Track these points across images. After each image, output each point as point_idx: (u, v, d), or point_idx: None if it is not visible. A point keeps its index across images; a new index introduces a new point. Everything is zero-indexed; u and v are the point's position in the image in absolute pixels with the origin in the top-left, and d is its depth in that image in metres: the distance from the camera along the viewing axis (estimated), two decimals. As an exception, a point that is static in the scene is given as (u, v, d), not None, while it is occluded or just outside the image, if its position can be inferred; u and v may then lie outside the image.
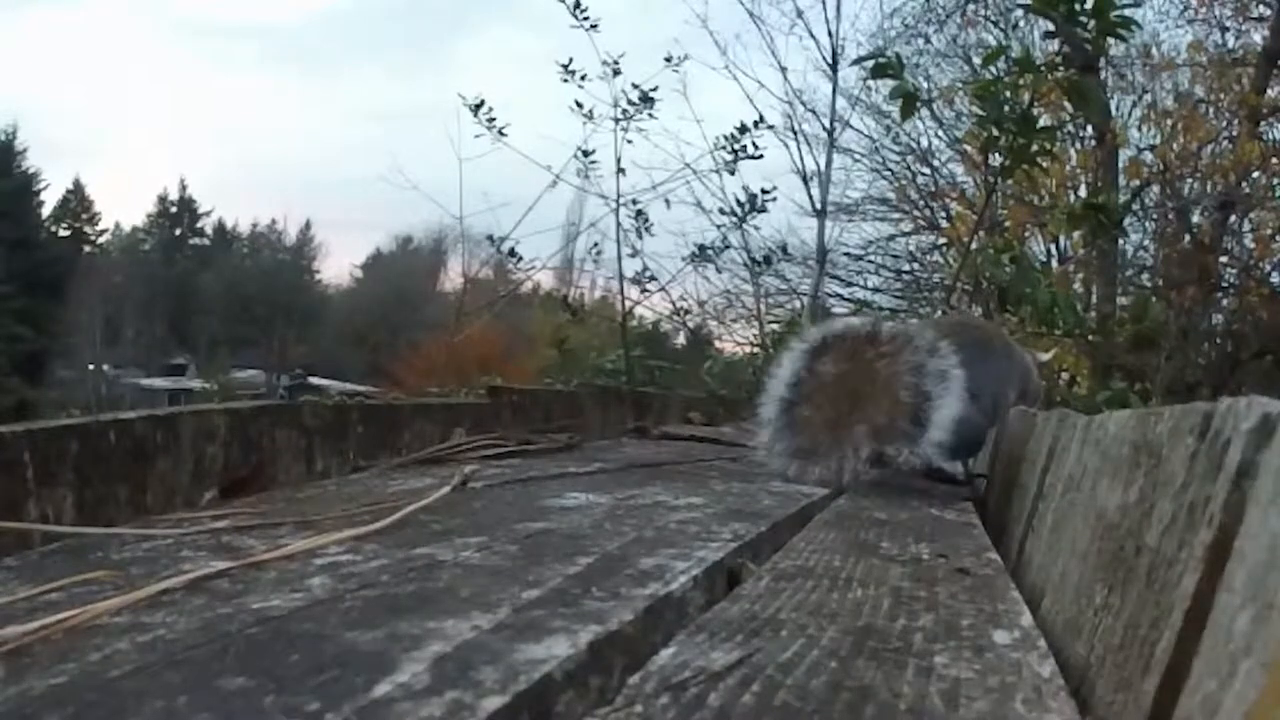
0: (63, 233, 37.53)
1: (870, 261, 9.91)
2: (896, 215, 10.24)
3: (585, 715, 0.43)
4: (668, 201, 4.47)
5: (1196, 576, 0.41)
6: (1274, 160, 7.72)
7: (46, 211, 36.78)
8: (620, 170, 3.98)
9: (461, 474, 1.04)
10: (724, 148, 4.32)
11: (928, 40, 9.23)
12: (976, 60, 8.37)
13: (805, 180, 6.55)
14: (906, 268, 10.04)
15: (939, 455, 1.48)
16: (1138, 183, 7.99)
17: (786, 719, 0.42)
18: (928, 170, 9.78)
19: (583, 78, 4.12)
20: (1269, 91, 7.92)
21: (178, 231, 42.48)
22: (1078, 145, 8.34)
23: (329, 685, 0.41)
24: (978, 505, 1.37)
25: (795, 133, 6.78)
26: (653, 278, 4.25)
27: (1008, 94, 3.00)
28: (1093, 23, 2.76)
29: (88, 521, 0.81)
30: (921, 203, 9.97)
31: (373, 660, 0.44)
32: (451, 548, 0.72)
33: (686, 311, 5.01)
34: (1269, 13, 8.17)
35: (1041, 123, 3.12)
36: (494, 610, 0.54)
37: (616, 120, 4.03)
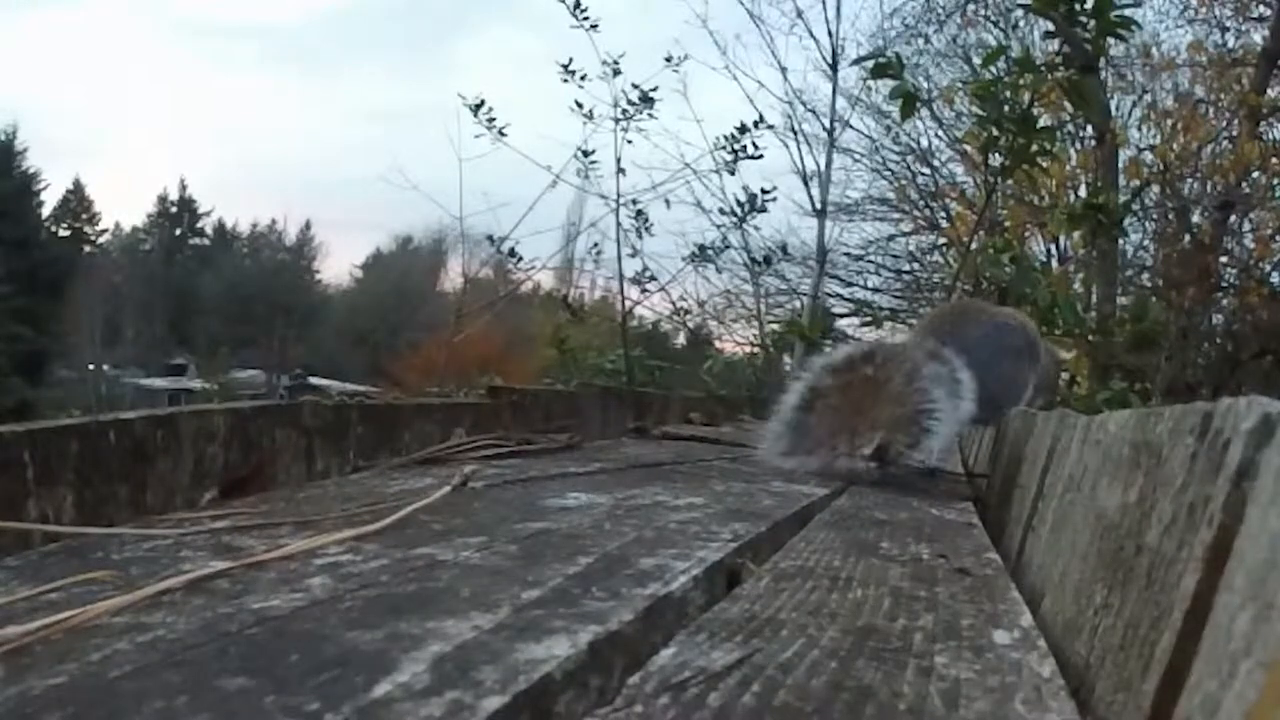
0: (63, 233, 37.53)
1: (870, 261, 9.93)
2: (896, 215, 10.25)
3: (585, 715, 0.43)
4: (668, 201, 4.48)
5: (1196, 576, 0.41)
6: (1274, 160, 7.72)
7: (46, 211, 36.83)
8: (620, 170, 3.98)
9: (461, 474, 1.04)
10: (724, 148, 4.33)
11: (928, 40, 9.24)
12: (976, 60, 8.36)
13: (805, 180, 6.55)
14: (906, 268, 10.05)
15: (943, 452, 1.55)
16: (1138, 183, 7.98)
17: (786, 719, 0.42)
18: (928, 170, 9.79)
19: (583, 78, 4.13)
20: (1269, 91, 7.92)
21: (178, 231, 42.46)
22: (1078, 145, 8.34)
23: (329, 685, 0.41)
24: (978, 505, 1.37)
25: (795, 133, 6.77)
26: (653, 278, 4.26)
27: (1008, 94, 3.00)
28: (1093, 23, 2.76)
29: (88, 521, 0.81)
30: (921, 203, 9.97)
31: (373, 660, 0.44)
32: (451, 548, 0.72)
33: (686, 311, 5.02)
34: (1269, 13, 8.17)
35: (1041, 123, 3.12)
36: (494, 610, 0.54)
37: (616, 120, 4.03)
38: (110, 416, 0.90)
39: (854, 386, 1.55)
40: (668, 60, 4.41)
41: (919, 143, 9.64)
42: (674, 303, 4.67)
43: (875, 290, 9.91)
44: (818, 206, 6.57)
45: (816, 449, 1.49)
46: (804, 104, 7.46)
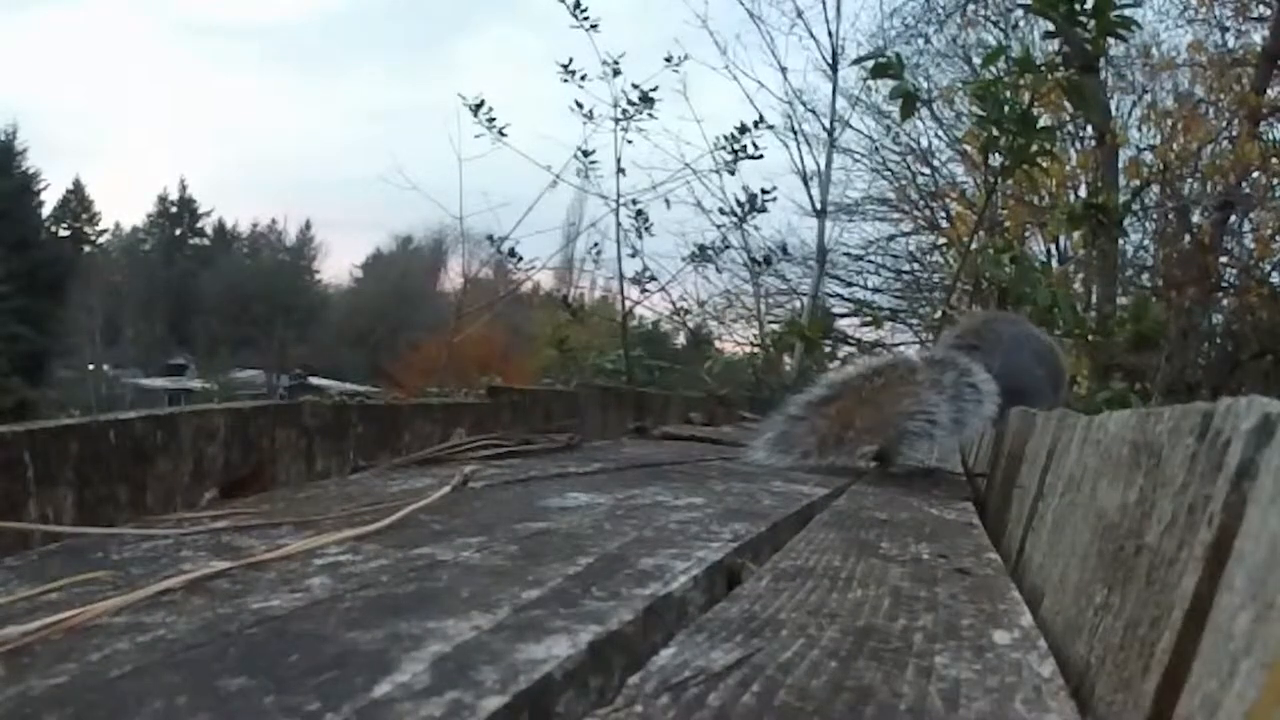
0: (63, 233, 37.52)
1: (870, 261, 9.93)
2: (896, 215, 10.25)
3: (585, 715, 0.43)
4: (668, 201, 4.48)
5: (1196, 576, 0.41)
6: (1274, 160, 7.72)
7: (46, 211, 36.82)
8: (620, 170, 3.99)
9: (461, 474, 1.04)
10: (724, 148, 4.33)
11: (928, 40, 9.24)
12: (976, 60, 8.36)
13: (805, 180, 6.56)
14: (906, 268, 10.05)
15: (944, 453, 1.59)
16: (1138, 183, 7.99)
17: (786, 719, 0.42)
18: (928, 170, 9.79)
19: (583, 78, 4.13)
20: (1269, 91, 7.92)
21: (178, 231, 42.45)
22: (1078, 145, 8.35)
23: (329, 685, 0.41)
24: (978, 505, 1.37)
25: (795, 133, 6.79)
26: (653, 278, 4.26)
27: (1008, 94, 3.01)
28: (1093, 23, 2.76)
29: (88, 521, 0.81)
30: (921, 203, 9.97)
31: (373, 660, 0.44)
32: (451, 548, 0.72)
33: (686, 311, 5.01)
34: (1269, 13, 8.17)
35: (1041, 123, 3.12)
36: (494, 610, 0.54)
37: (616, 120, 4.04)
38: (110, 416, 0.90)
39: (849, 398, 1.58)
40: (668, 60, 4.41)
41: (919, 143, 9.65)
42: (674, 303, 4.68)
43: (875, 290, 9.91)
44: (818, 206, 6.57)
45: (795, 448, 1.53)
46: (804, 104, 7.48)
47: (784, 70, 7.21)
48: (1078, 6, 2.74)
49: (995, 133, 3.02)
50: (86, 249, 38.12)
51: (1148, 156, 8.14)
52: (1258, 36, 8.35)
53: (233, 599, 0.55)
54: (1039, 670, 0.52)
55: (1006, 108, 2.96)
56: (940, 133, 9.51)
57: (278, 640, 0.48)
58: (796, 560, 0.79)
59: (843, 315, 8.41)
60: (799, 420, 1.58)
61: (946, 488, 1.55)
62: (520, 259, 4.46)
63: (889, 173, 10.00)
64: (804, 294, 7.50)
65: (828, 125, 6.91)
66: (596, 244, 4.49)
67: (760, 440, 1.60)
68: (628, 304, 4.10)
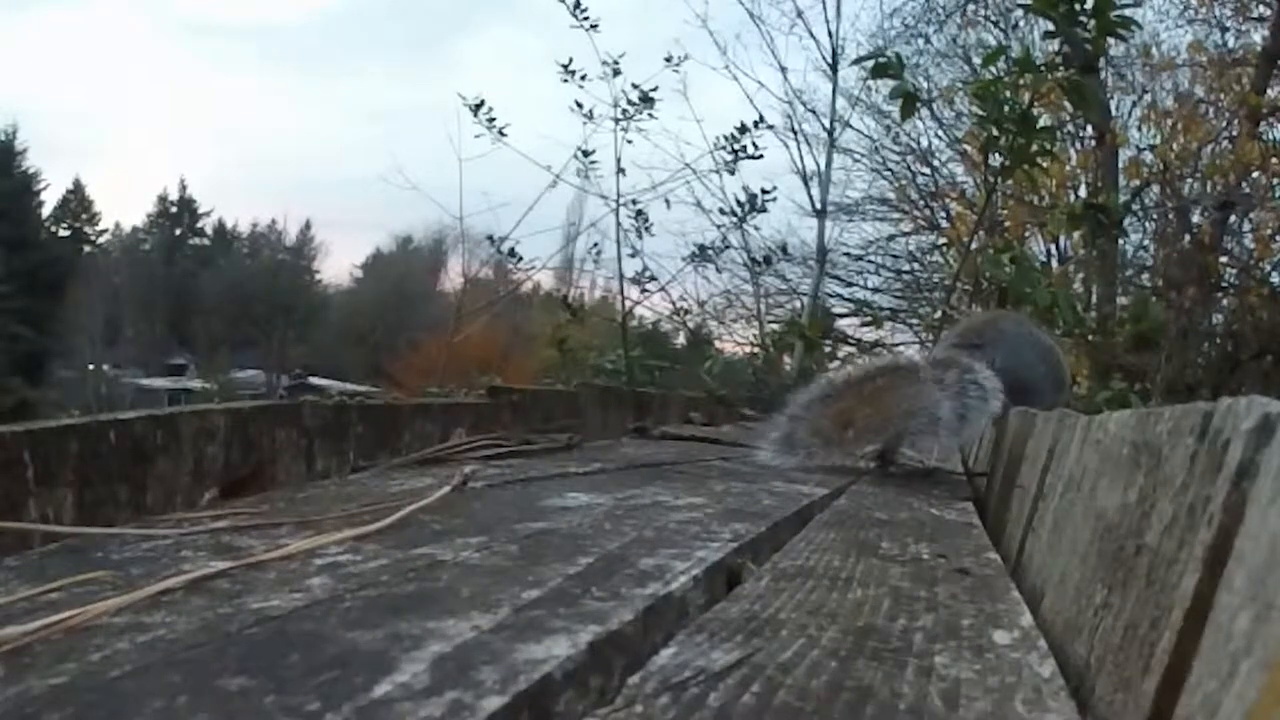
0: (63, 233, 37.53)
1: (870, 261, 9.92)
2: (896, 215, 10.24)
3: (585, 715, 0.43)
4: (668, 201, 4.47)
5: (1196, 576, 0.41)
6: (1274, 160, 7.71)
7: (46, 211, 36.85)
8: (620, 170, 3.98)
9: (461, 474, 1.04)
10: (724, 148, 4.32)
11: (928, 40, 9.23)
12: (976, 60, 8.36)
13: (805, 180, 6.57)
14: (906, 268, 10.04)
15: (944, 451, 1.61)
16: (1138, 183, 7.99)
17: (786, 719, 0.42)
18: (928, 170, 9.78)
19: (583, 78, 4.13)
20: (1269, 91, 7.91)
21: (178, 231, 42.45)
22: (1078, 145, 8.35)
23: (329, 685, 0.41)
24: (978, 505, 1.37)
25: (795, 133, 6.80)
26: (653, 278, 4.25)
27: (1008, 94, 3.00)
28: (1093, 23, 2.76)
29: (88, 521, 0.81)
30: (921, 203, 9.96)
31: (373, 660, 0.44)
32: (451, 548, 0.72)
33: (686, 311, 5.01)
34: (1269, 13, 8.17)
35: (1041, 123, 3.12)
36: (494, 610, 0.54)
37: (616, 120, 4.03)
38: (110, 416, 0.90)
39: (851, 398, 1.59)
40: (668, 60, 4.40)
41: (919, 143, 9.65)
42: (674, 303, 4.67)
43: (875, 290, 9.91)
44: (818, 206, 6.58)
45: (797, 447, 1.54)
46: (804, 104, 7.49)
47: (784, 70, 7.23)
48: (1078, 6, 2.74)
49: (995, 133, 3.02)
50: (86, 249, 38.13)
51: (1148, 156, 8.14)
52: (1258, 36, 8.35)
53: (233, 599, 0.55)
54: (1039, 670, 0.52)
55: (1006, 108, 2.96)
56: (940, 133, 9.52)
57: (278, 640, 0.48)
58: (796, 560, 0.79)
59: (843, 315, 8.42)
60: (800, 420, 1.59)
61: (946, 488, 1.55)
62: (520, 259, 4.45)
63: (889, 173, 10.01)
64: (804, 294, 7.51)
65: (828, 125, 6.92)
66: (596, 244, 4.49)
67: (763, 441, 1.61)
68: (628, 304, 4.09)
